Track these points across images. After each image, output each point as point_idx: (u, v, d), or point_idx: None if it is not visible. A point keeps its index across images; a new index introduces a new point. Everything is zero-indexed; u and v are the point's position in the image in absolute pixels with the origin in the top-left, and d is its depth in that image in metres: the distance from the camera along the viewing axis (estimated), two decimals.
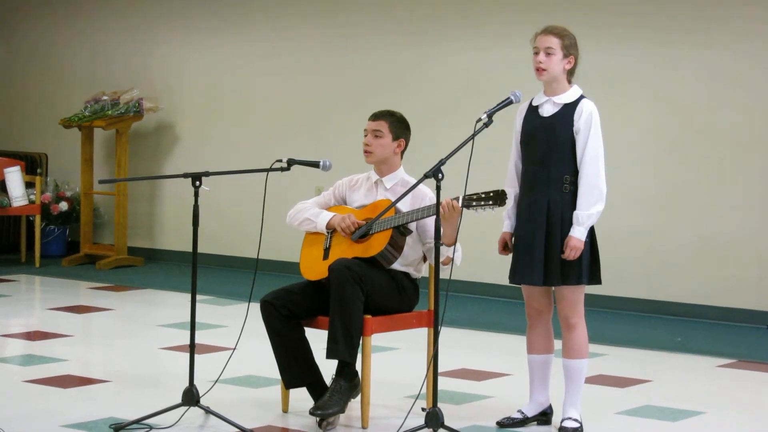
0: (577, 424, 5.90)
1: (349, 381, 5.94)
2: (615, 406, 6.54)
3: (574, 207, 5.79)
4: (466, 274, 9.06)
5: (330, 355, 5.84)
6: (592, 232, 5.85)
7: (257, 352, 6.83)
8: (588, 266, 5.84)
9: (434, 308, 5.77)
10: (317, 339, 6.09)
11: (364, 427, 5.94)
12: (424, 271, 6.23)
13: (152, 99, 11.51)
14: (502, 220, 6.03)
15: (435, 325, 5.72)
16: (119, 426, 5.80)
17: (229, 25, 11.51)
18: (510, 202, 5.93)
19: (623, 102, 9.33)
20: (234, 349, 6.39)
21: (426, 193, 6.09)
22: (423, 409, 5.86)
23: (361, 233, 5.99)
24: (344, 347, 5.81)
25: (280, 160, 6.08)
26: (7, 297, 9.81)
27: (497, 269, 8.45)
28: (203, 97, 11.68)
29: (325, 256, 6.11)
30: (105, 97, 11.49)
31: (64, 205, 11.77)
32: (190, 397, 5.91)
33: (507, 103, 5.81)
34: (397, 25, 10.56)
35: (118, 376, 7.02)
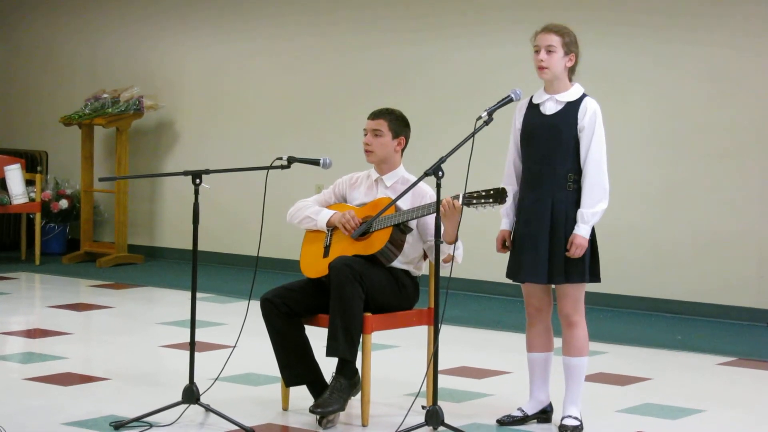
0: (577, 422, 5.90)
1: (349, 379, 5.93)
2: (615, 403, 6.54)
3: (578, 205, 5.79)
4: (466, 272, 9.06)
5: (330, 352, 5.84)
6: (592, 231, 5.85)
7: (257, 350, 6.83)
8: (589, 264, 5.85)
9: (434, 306, 5.78)
10: (317, 337, 6.09)
11: (364, 425, 5.95)
12: (424, 268, 6.23)
13: (152, 97, 11.52)
14: (501, 218, 6.02)
15: (435, 322, 5.72)
16: (119, 423, 5.80)
17: (229, 23, 11.51)
18: (509, 199, 5.93)
19: (623, 100, 9.33)
20: (234, 346, 6.39)
21: (426, 191, 6.09)
22: (423, 407, 5.87)
23: (362, 231, 5.99)
24: (344, 345, 5.81)
25: (281, 158, 6.08)
26: (8, 295, 9.81)
27: (497, 267, 8.45)
28: (203, 95, 11.68)
29: (326, 254, 6.11)
30: (105, 95, 11.50)
31: (64, 203, 11.77)
32: (190, 395, 5.91)
33: (507, 101, 5.81)
34: (398, 23, 10.56)
35: (119, 373, 7.02)
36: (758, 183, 9.07)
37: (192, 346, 5.97)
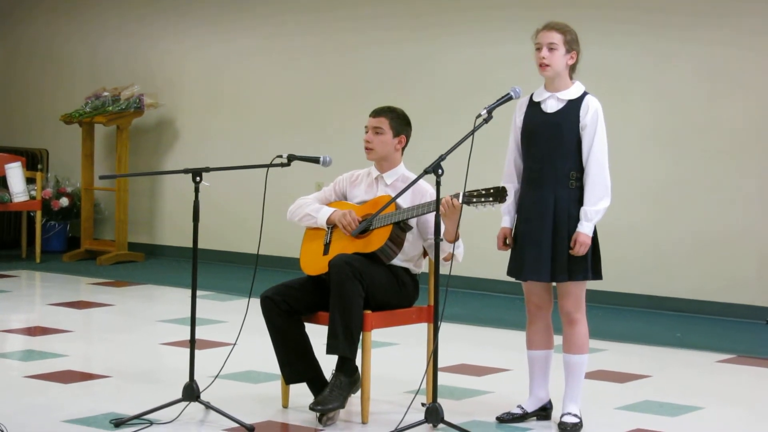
0: (576, 420, 5.91)
1: (349, 376, 5.94)
2: (614, 401, 6.55)
3: (580, 203, 5.80)
4: (465, 270, 9.04)
5: (330, 350, 5.85)
6: (594, 228, 5.86)
7: (257, 348, 6.83)
8: (591, 262, 5.85)
9: (434, 304, 5.78)
10: (317, 334, 6.09)
11: (364, 423, 5.95)
12: (423, 266, 6.23)
13: (153, 95, 11.52)
14: (501, 215, 6.03)
15: (435, 320, 5.73)
16: (120, 421, 5.81)
17: (229, 21, 11.51)
18: (509, 197, 5.93)
19: (622, 98, 9.33)
20: (234, 344, 6.39)
21: (426, 189, 6.09)
22: (423, 405, 5.87)
23: (362, 229, 5.99)
24: (344, 343, 5.82)
25: (281, 156, 6.08)
26: (8, 292, 9.81)
27: (497, 265, 8.44)
28: (204, 93, 11.68)
29: (326, 252, 6.11)
30: (105, 93, 11.50)
31: (64, 201, 11.77)
32: (191, 393, 5.92)
33: (507, 98, 5.81)
34: (398, 21, 10.56)
35: (119, 371, 7.03)
36: (758, 181, 9.08)
37: (192, 343, 5.97)
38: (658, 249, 9.42)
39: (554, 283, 5.94)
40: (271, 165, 6.06)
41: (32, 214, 11.64)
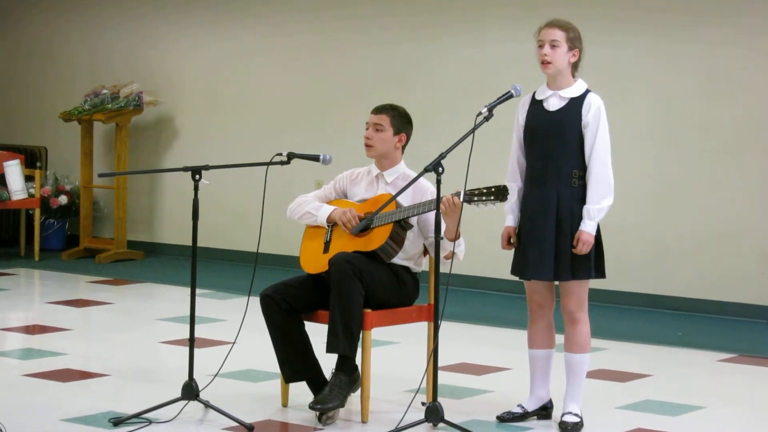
0: (577, 419, 5.90)
1: (349, 375, 5.93)
2: (615, 400, 6.54)
3: (583, 201, 5.78)
4: (466, 268, 9.02)
5: (330, 349, 5.83)
6: (597, 227, 5.84)
7: (257, 346, 6.82)
8: (594, 260, 5.83)
9: (434, 302, 5.77)
10: (317, 333, 6.08)
11: (363, 422, 5.94)
12: (424, 265, 6.22)
13: (152, 93, 11.50)
14: (503, 213, 6.01)
15: (435, 319, 5.72)
16: (119, 420, 5.80)
17: (229, 19, 11.49)
18: (513, 196, 5.92)
19: (622, 97, 9.31)
20: (234, 343, 6.38)
21: (427, 188, 6.08)
22: (423, 404, 5.86)
23: (362, 227, 5.98)
24: (344, 341, 5.80)
25: (280, 154, 6.07)
26: (7, 291, 9.80)
27: (497, 263, 8.42)
28: (203, 91, 11.66)
29: (326, 250, 6.10)
30: (105, 91, 11.48)
31: (63, 199, 11.76)
32: (190, 391, 5.91)
33: (507, 96, 5.80)
34: (399, 19, 10.55)
35: (118, 370, 7.02)
36: (758, 180, 9.07)
37: (191, 342, 5.96)
38: (658, 248, 9.41)
39: (556, 282, 5.92)
40: (270, 163, 6.05)
41: (31, 212, 11.62)
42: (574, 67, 5.86)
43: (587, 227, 5.75)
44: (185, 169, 5.98)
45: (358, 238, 6.02)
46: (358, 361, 5.96)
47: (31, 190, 11.42)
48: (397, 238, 5.96)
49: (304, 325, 6.08)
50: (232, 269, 10.93)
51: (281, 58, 11.21)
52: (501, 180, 5.97)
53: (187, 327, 6.03)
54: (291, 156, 6.08)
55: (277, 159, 6.06)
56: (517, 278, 6.04)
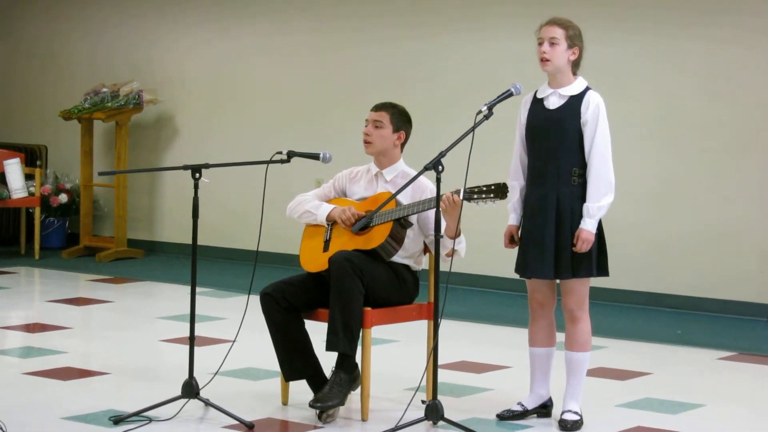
0: (577, 417, 5.89)
1: (349, 373, 5.93)
2: (615, 398, 6.54)
3: (583, 199, 5.78)
4: (466, 267, 9.04)
5: (330, 347, 5.83)
6: (599, 225, 5.84)
7: (257, 345, 6.82)
8: (596, 259, 5.83)
9: (434, 300, 5.77)
10: (317, 331, 6.08)
11: (363, 420, 5.94)
12: (424, 263, 6.22)
13: (152, 91, 11.50)
14: (504, 212, 6.01)
15: (435, 317, 5.72)
16: (119, 418, 5.80)
17: (229, 18, 11.49)
18: (515, 195, 5.92)
19: (622, 96, 9.31)
20: (234, 341, 6.38)
21: (427, 185, 6.08)
22: (423, 402, 5.86)
23: (362, 225, 5.98)
24: (344, 339, 5.80)
25: (280, 152, 6.07)
26: (7, 289, 9.80)
27: (497, 261, 8.44)
28: (203, 90, 11.66)
29: (326, 249, 6.10)
30: (105, 89, 11.49)
31: (63, 197, 11.76)
32: (190, 390, 5.91)
33: (507, 95, 5.80)
34: (399, 18, 10.55)
35: (118, 368, 7.02)
36: (758, 178, 9.07)
37: (191, 340, 5.96)
38: (658, 246, 9.41)
39: (558, 281, 5.92)
40: (270, 161, 6.05)
41: (31, 210, 11.62)
42: (575, 65, 5.85)
43: (587, 225, 5.75)
44: (185, 167, 5.98)
45: (358, 236, 6.02)
46: (358, 359, 5.96)
47: (32, 189, 11.42)
48: (396, 237, 5.96)
49: (304, 323, 6.08)
50: (232, 268, 10.93)
51: (281, 56, 11.21)
52: (501, 178, 5.96)
53: (188, 325, 6.03)
54: (291, 154, 6.08)
55: (277, 157, 6.06)
56: (516, 276, 6.03)
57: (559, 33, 5.80)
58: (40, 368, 6.93)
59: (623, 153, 9.05)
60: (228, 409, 5.85)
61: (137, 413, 5.84)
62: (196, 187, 5.91)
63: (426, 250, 6.16)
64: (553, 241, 5.80)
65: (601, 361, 7.35)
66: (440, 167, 5.61)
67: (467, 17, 10.19)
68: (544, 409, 6.07)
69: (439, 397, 5.70)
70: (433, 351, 5.71)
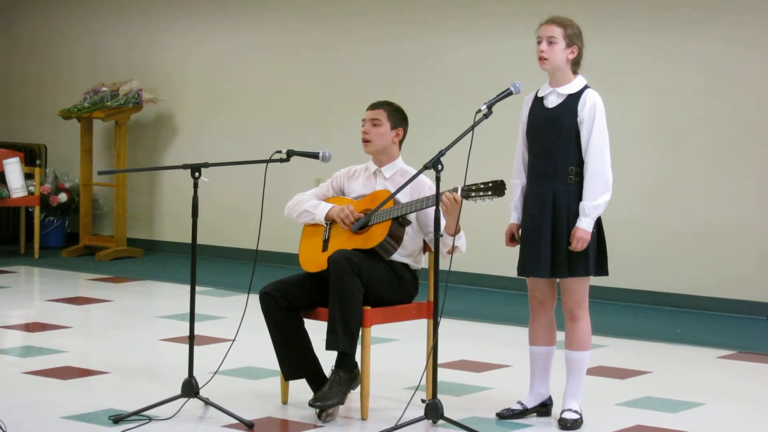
0: (576, 416, 5.89)
1: (349, 372, 5.92)
2: (615, 397, 6.53)
3: (580, 198, 5.77)
4: (465, 265, 9.05)
5: (329, 346, 5.83)
6: (599, 223, 5.84)
7: (256, 344, 6.82)
8: (595, 258, 5.82)
9: (434, 299, 5.77)
10: (317, 330, 6.08)
11: (363, 419, 5.94)
12: (423, 262, 6.22)
13: (152, 90, 11.50)
14: (504, 210, 6.01)
15: (435, 316, 5.72)
16: (118, 417, 5.80)
17: (229, 17, 11.49)
18: (517, 193, 5.92)
19: (621, 93, 9.31)
20: (233, 340, 6.38)
21: (425, 183, 6.08)
22: (423, 401, 5.86)
23: (361, 224, 5.98)
24: (343, 338, 5.80)
25: (280, 151, 6.06)
26: (6, 288, 9.80)
27: (497, 260, 8.44)
28: (203, 89, 11.66)
29: (324, 248, 6.09)
30: (104, 89, 11.48)
31: (63, 197, 11.76)
32: (190, 389, 5.91)
33: (507, 94, 5.80)
34: (398, 16, 10.54)
35: (118, 367, 7.02)
36: (758, 176, 9.06)
37: (191, 339, 5.96)
38: (658, 245, 9.41)
39: (558, 279, 5.92)
40: (270, 160, 6.05)
41: (31, 209, 11.62)
42: (575, 63, 5.84)
43: (583, 224, 5.74)
44: (185, 166, 5.98)
45: (357, 235, 6.02)
46: (357, 358, 5.96)
47: (31, 188, 11.42)
48: (395, 235, 5.96)
49: (303, 322, 6.08)
50: (232, 267, 10.93)
51: (281, 55, 11.20)
52: (500, 177, 5.96)
53: (187, 324, 6.03)
54: (290, 153, 6.08)
55: (277, 156, 6.06)
56: (515, 275, 6.03)
57: (557, 32, 5.79)
58: (40, 367, 6.93)
59: (623, 151, 9.08)
60: (228, 408, 5.85)
61: (137, 412, 5.84)
62: (195, 186, 5.91)
63: (425, 248, 6.16)
64: (550, 239, 5.80)
65: (600, 359, 7.35)
66: (440, 166, 5.61)
67: (467, 16, 10.19)
68: (543, 408, 6.06)
69: (439, 396, 5.69)
70: (433, 350, 5.71)
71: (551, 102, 5.86)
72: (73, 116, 11.50)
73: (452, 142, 5.68)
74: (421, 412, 5.70)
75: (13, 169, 11.28)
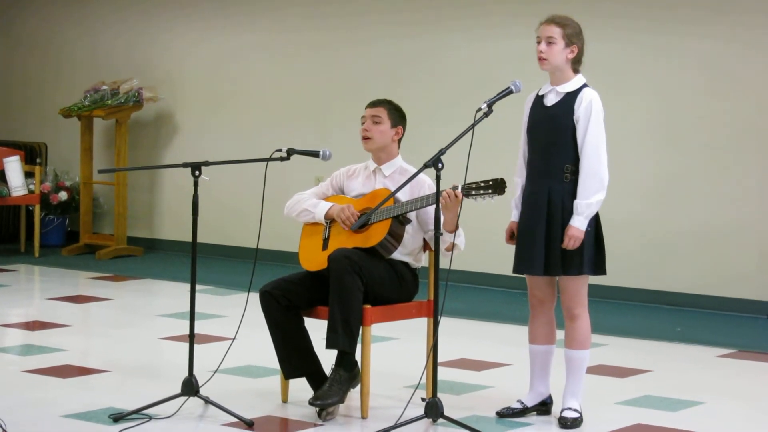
0: (576, 414, 5.89)
1: (349, 371, 5.93)
2: (615, 395, 6.54)
3: (574, 196, 5.77)
4: (465, 264, 9.04)
5: (329, 345, 5.83)
6: (597, 222, 5.83)
7: (257, 343, 6.82)
8: (591, 256, 5.81)
9: (434, 298, 5.77)
10: (317, 329, 6.08)
11: (363, 417, 5.94)
12: (423, 260, 6.22)
13: (152, 89, 11.51)
14: (504, 209, 6.02)
15: (435, 314, 5.72)
16: (118, 416, 5.80)
17: (229, 15, 11.49)
18: (518, 191, 5.93)
19: (621, 93, 9.31)
20: (233, 339, 6.38)
21: (425, 181, 6.08)
22: (423, 399, 5.86)
23: (361, 223, 5.98)
24: (344, 337, 5.80)
25: (280, 150, 6.07)
26: (7, 287, 9.80)
27: (497, 259, 8.43)
28: (203, 87, 11.66)
29: (324, 247, 6.09)
30: (104, 87, 11.49)
31: (63, 195, 11.77)
32: (190, 387, 5.91)
33: (507, 92, 5.80)
34: (398, 16, 10.54)
35: (118, 366, 7.02)
36: (758, 176, 9.07)
37: (191, 338, 5.96)
38: (658, 243, 9.41)
39: (557, 278, 5.92)
40: (270, 159, 6.05)
41: (31, 208, 11.63)
42: (575, 62, 5.84)
43: (576, 222, 5.73)
44: (185, 165, 5.98)
45: (357, 234, 6.02)
46: (357, 356, 5.96)
47: (31, 187, 11.43)
48: (395, 234, 5.96)
49: (303, 321, 6.08)
50: (232, 265, 10.93)
51: (281, 54, 11.21)
52: (501, 175, 5.96)
53: (187, 323, 6.03)
54: (290, 152, 6.08)
55: (277, 155, 6.06)
56: (515, 274, 6.04)
57: (556, 32, 5.79)
58: (40, 366, 6.93)
59: (623, 150, 9.09)
60: (228, 407, 5.85)
61: (137, 411, 5.84)
62: (195, 184, 5.91)
63: (425, 247, 6.16)
64: (544, 237, 5.79)
65: (600, 358, 7.35)
66: (440, 165, 5.61)
67: (467, 16, 10.19)
68: (543, 407, 6.06)
69: (439, 395, 5.69)
70: (433, 348, 5.71)
71: (550, 100, 5.86)
72: (73, 115, 11.50)
73: (452, 140, 5.68)
74: (421, 411, 5.70)
75: (14, 167, 11.29)
